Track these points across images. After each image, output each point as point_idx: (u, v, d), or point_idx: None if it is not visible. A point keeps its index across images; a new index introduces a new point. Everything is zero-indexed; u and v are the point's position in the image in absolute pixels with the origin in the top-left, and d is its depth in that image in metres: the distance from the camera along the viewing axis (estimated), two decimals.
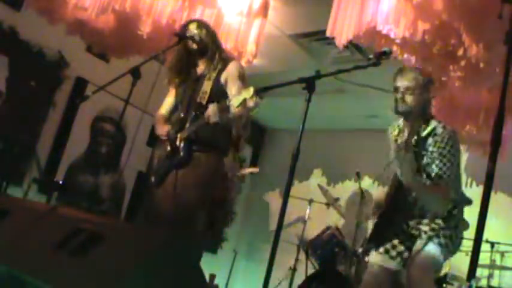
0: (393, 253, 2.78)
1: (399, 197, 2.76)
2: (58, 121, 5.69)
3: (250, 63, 4.44)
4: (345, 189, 6.89)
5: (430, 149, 2.67)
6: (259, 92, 2.60)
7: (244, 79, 3.14)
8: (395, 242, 2.81)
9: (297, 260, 5.43)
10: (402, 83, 2.78)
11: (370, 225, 2.93)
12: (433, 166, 2.63)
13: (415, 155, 2.65)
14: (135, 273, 1.47)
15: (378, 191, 2.98)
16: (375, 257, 2.85)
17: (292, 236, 5.65)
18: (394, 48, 3.81)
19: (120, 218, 6.13)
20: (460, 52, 3.59)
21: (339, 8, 3.86)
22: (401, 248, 2.78)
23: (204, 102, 3.07)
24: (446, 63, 3.83)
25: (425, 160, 2.67)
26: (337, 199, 5.64)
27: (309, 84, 2.40)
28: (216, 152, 3.13)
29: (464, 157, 5.82)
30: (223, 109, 2.83)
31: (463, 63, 3.67)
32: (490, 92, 4.17)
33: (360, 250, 4.85)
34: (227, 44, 4.18)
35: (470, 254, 1.90)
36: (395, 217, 2.80)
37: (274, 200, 7.63)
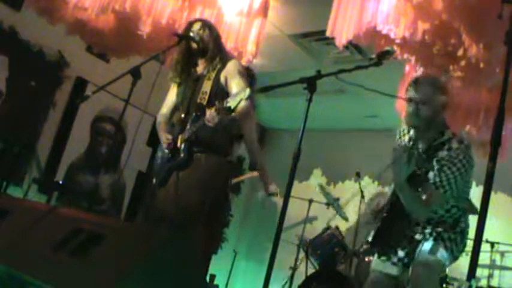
0: (394, 259, 2.76)
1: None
2: (58, 121, 5.69)
3: (250, 63, 4.44)
4: (345, 189, 6.89)
5: (443, 162, 2.62)
6: (260, 92, 2.59)
7: (243, 75, 3.13)
8: (398, 248, 2.78)
9: (297, 260, 5.43)
10: (417, 95, 2.69)
11: (368, 227, 2.93)
12: (436, 178, 2.60)
13: (422, 164, 2.63)
14: (135, 273, 1.47)
15: (375, 199, 2.97)
16: (376, 264, 2.82)
17: (292, 236, 5.65)
18: (394, 48, 3.81)
19: (120, 218, 6.13)
20: (460, 52, 3.59)
21: (339, 8, 3.86)
22: (402, 253, 2.75)
23: (204, 102, 3.07)
24: (446, 63, 3.83)
25: (433, 171, 2.63)
26: (337, 199, 5.64)
27: (310, 84, 2.40)
28: (216, 153, 3.12)
29: None
30: (222, 111, 2.82)
31: (463, 63, 3.67)
32: (490, 92, 4.17)
33: (361, 250, 4.85)
34: (227, 44, 4.18)
35: (470, 254, 1.90)
36: (398, 222, 2.78)
37: (274, 200, 7.62)
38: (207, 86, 3.11)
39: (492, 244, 4.83)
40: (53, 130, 5.65)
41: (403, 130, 2.94)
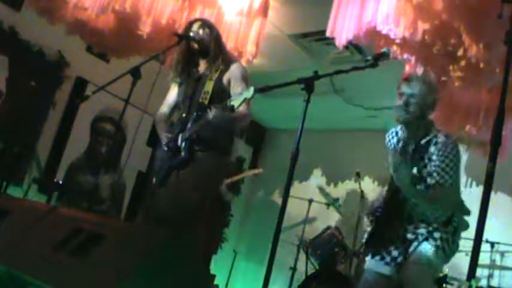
0: (388, 259, 2.78)
1: (397, 202, 2.76)
2: (58, 121, 5.69)
3: (250, 63, 4.44)
4: (345, 189, 6.89)
5: (434, 157, 2.65)
6: (259, 92, 2.60)
7: (247, 81, 3.14)
8: (391, 247, 2.79)
9: (297, 260, 5.43)
10: (408, 90, 2.75)
11: (366, 228, 2.94)
12: (435, 174, 2.63)
13: (413, 163, 2.68)
14: (135, 273, 1.47)
15: (372, 196, 2.98)
16: (369, 264, 2.84)
17: (292, 236, 5.65)
18: (394, 48, 3.81)
19: (120, 218, 6.13)
20: (460, 52, 3.59)
21: (339, 8, 3.86)
22: (395, 253, 2.77)
23: (205, 102, 3.07)
24: (446, 63, 3.83)
25: (428, 168, 2.67)
26: (337, 199, 5.64)
27: (308, 84, 2.40)
28: (217, 152, 3.12)
29: (464, 157, 5.83)
30: (225, 110, 2.83)
31: (463, 63, 3.67)
32: (490, 92, 4.17)
33: (361, 250, 4.85)
34: (227, 44, 4.17)
35: (470, 254, 1.90)
36: (392, 222, 2.80)
37: (274, 200, 7.63)
38: (209, 86, 3.11)
39: (492, 244, 4.83)
40: (53, 130, 5.65)
41: (392, 132, 2.98)
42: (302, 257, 5.34)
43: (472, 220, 2.20)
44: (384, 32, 3.63)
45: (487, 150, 1.91)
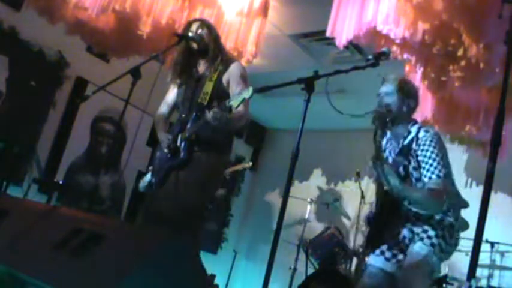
0: (388, 255, 2.80)
1: (392, 201, 2.77)
2: (58, 121, 5.69)
3: (250, 63, 4.44)
4: (345, 189, 6.89)
5: (418, 153, 2.69)
6: (259, 92, 2.60)
7: (246, 81, 3.14)
8: (391, 243, 2.83)
9: (297, 260, 5.43)
10: (382, 89, 2.85)
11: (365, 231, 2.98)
12: (423, 171, 2.65)
13: (400, 163, 2.74)
14: (135, 273, 1.47)
15: (372, 197, 3.01)
16: (371, 259, 2.87)
17: (292, 236, 5.65)
18: (394, 48, 3.81)
19: (120, 218, 6.13)
20: (460, 52, 3.59)
21: (339, 8, 3.86)
22: (396, 250, 2.80)
23: (205, 102, 3.07)
24: (446, 63, 3.83)
25: (412, 164, 2.71)
26: (337, 199, 5.64)
27: (308, 84, 2.40)
28: (216, 152, 3.13)
29: (464, 157, 5.83)
30: (223, 110, 2.82)
31: (463, 63, 3.67)
32: (490, 92, 4.17)
33: (360, 250, 4.85)
34: (227, 44, 4.18)
35: (470, 254, 1.90)
36: (390, 220, 2.82)
37: (274, 200, 7.63)
38: (208, 87, 3.11)
39: (492, 244, 4.83)
40: (53, 130, 5.65)
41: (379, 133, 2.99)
42: (302, 257, 5.34)
43: (472, 220, 2.20)
44: (384, 32, 3.63)
45: (487, 150, 1.91)
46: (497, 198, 5.21)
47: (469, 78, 3.83)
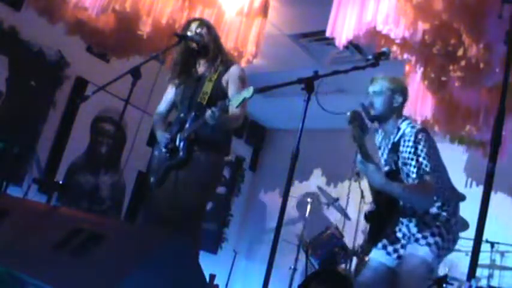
0: (390, 249, 2.83)
1: (388, 199, 2.78)
2: (58, 121, 5.69)
3: (250, 63, 4.44)
4: (345, 189, 6.89)
5: (403, 149, 2.72)
6: (259, 92, 2.60)
7: (245, 83, 3.14)
8: (393, 238, 2.85)
9: (297, 260, 5.43)
10: (371, 88, 2.89)
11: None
12: (410, 167, 2.68)
13: (392, 159, 2.79)
14: (135, 273, 1.47)
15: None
16: (373, 253, 2.90)
17: (292, 236, 5.65)
18: (394, 48, 3.81)
19: (120, 218, 6.13)
20: (460, 52, 3.59)
21: (339, 8, 3.86)
22: (397, 245, 2.82)
23: (204, 102, 3.08)
24: (446, 63, 3.83)
25: (401, 160, 2.74)
26: (337, 199, 5.64)
27: (308, 84, 2.41)
28: (215, 151, 3.13)
29: (464, 157, 5.83)
30: (222, 110, 2.83)
31: (463, 63, 3.67)
32: (490, 92, 4.17)
33: (360, 250, 4.85)
34: (227, 44, 4.18)
35: (470, 254, 1.90)
36: (388, 215, 2.83)
37: (274, 200, 7.63)
38: (208, 87, 3.12)
39: (492, 244, 4.83)
40: (53, 130, 5.65)
41: (379, 132, 3.05)
42: (302, 257, 5.33)
43: (472, 220, 2.20)
44: (384, 32, 3.63)
45: (487, 150, 1.91)
46: (497, 198, 5.21)
47: (469, 78, 3.83)
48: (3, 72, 5.18)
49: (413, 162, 2.65)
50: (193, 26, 3.23)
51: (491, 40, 3.41)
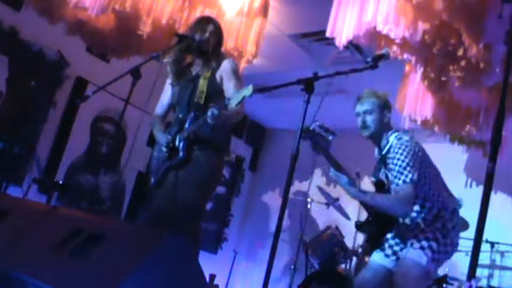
0: (389, 251, 2.85)
1: None
2: (58, 121, 5.69)
3: (250, 63, 4.44)
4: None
5: (388, 161, 2.77)
6: (258, 92, 2.60)
7: (238, 75, 3.15)
8: (392, 242, 2.88)
9: (297, 260, 5.43)
10: (361, 107, 2.94)
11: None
12: (392, 177, 2.73)
13: (382, 171, 2.87)
14: (135, 273, 1.47)
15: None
16: (373, 255, 2.94)
17: (292, 236, 5.65)
18: (394, 48, 3.81)
19: (120, 218, 6.13)
20: (460, 52, 3.59)
21: (339, 8, 3.86)
22: (396, 248, 2.84)
23: (201, 101, 3.07)
24: (446, 63, 3.83)
25: (390, 176, 2.79)
26: (337, 199, 5.64)
27: (308, 85, 2.41)
28: (215, 151, 3.12)
29: (464, 157, 5.83)
30: (222, 109, 2.82)
31: (463, 63, 3.67)
32: (490, 92, 4.17)
33: (360, 250, 4.85)
34: (227, 44, 4.18)
35: (470, 254, 1.90)
36: (385, 219, 2.85)
37: (274, 200, 7.62)
38: (203, 85, 3.11)
39: (492, 244, 4.83)
40: (53, 130, 5.65)
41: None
42: (302, 257, 5.33)
43: (472, 220, 2.20)
44: (384, 32, 3.63)
45: (487, 150, 1.91)
46: (497, 198, 5.21)
47: (469, 78, 3.83)
48: (3, 72, 5.17)
49: (395, 173, 2.70)
50: (209, 28, 3.20)
51: (491, 40, 3.41)
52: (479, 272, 4.73)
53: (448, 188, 2.90)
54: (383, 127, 2.91)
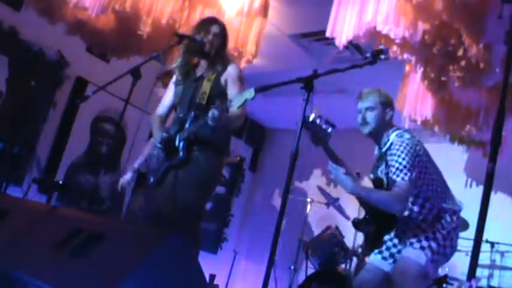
0: (386, 254, 2.84)
1: None
2: (58, 121, 5.69)
3: (250, 63, 4.44)
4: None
5: (388, 158, 2.76)
6: (258, 91, 2.59)
7: (243, 82, 3.14)
8: (389, 243, 2.88)
9: (297, 260, 5.43)
10: (362, 104, 2.93)
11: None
12: (391, 174, 2.72)
13: (381, 168, 2.84)
14: (135, 273, 1.47)
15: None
16: (371, 257, 2.93)
17: (292, 236, 5.65)
18: (394, 48, 3.81)
19: (120, 218, 6.13)
20: (460, 52, 3.59)
21: (339, 8, 3.86)
22: (394, 250, 2.84)
23: (203, 102, 3.07)
24: (446, 63, 3.83)
25: (389, 173, 2.77)
26: (337, 199, 5.64)
27: (307, 83, 2.40)
28: (215, 152, 3.12)
29: (464, 157, 5.83)
30: (223, 111, 2.82)
31: (463, 63, 3.67)
32: (490, 92, 4.17)
33: (360, 250, 4.85)
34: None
35: (470, 254, 1.90)
36: (384, 220, 2.85)
37: (274, 200, 7.63)
38: (206, 87, 3.11)
39: (492, 244, 4.83)
40: (53, 130, 5.65)
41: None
42: (302, 257, 5.33)
43: (472, 220, 2.20)
44: (384, 32, 3.63)
45: (487, 150, 1.91)
46: (497, 199, 5.21)
47: (469, 78, 3.83)
48: (3, 72, 5.18)
49: (394, 170, 2.69)
50: (214, 29, 3.19)
51: (491, 40, 3.41)
52: (479, 272, 4.73)
53: (450, 189, 2.90)
54: (384, 125, 2.89)
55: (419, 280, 2.71)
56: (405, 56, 3.90)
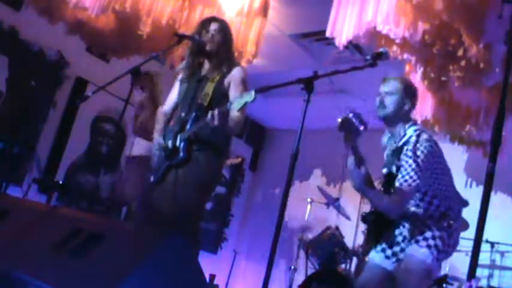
0: (389, 252, 2.83)
1: None
2: (58, 121, 5.69)
3: (250, 63, 4.44)
4: (345, 189, 6.89)
5: (402, 156, 2.72)
6: (258, 92, 2.59)
7: (246, 85, 3.13)
8: (392, 241, 2.87)
9: (297, 260, 5.43)
10: (383, 88, 2.89)
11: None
12: (399, 174, 2.69)
13: (393, 162, 2.80)
14: (135, 273, 1.47)
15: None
16: (372, 254, 2.91)
17: (292, 236, 5.65)
18: (394, 48, 3.81)
19: (120, 218, 6.13)
20: (460, 52, 3.59)
21: (339, 8, 3.86)
22: (396, 248, 2.82)
23: (205, 103, 3.07)
24: (446, 63, 3.83)
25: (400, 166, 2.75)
26: (337, 199, 5.64)
27: (307, 84, 2.41)
28: (215, 153, 3.12)
29: (464, 157, 5.83)
30: (223, 113, 2.82)
31: (463, 63, 3.67)
32: (490, 92, 4.17)
33: (360, 250, 4.85)
34: None
35: (470, 254, 1.90)
36: (387, 218, 2.84)
37: (274, 200, 7.63)
38: (209, 88, 3.10)
39: (492, 244, 4.84)
40: (53, 130, 5.65)
41: (386, 133, 3.04)
42: (302, 257, 5.34)
43: (472, 220, 2.20)
44: (384, 32, 3.63)
45: (487, 150, 1.92)
46: (497, 198, 5.21)
47: (469, 78, 3.83)
48: (3, 72, 5.18)
49: (403, 170, 2.67)
50: (212, 27, 3.19)
51: (491, 40, 3.41)
52: (479, 272, 4.74)
53: (456, 188, 2.89)
54: (401, 114, 2.84)
55: (424, 278, 2.71)
56: (405, 56, 3.90)
